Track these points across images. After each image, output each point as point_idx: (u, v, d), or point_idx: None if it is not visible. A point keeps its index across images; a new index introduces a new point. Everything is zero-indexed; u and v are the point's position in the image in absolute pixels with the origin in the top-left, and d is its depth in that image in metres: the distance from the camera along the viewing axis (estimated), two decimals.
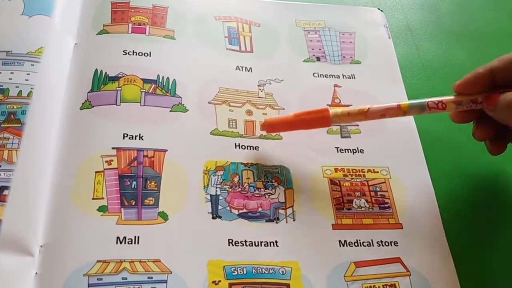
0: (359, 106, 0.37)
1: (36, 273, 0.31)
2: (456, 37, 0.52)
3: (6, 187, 0.34)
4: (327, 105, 0.44)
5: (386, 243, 0.37)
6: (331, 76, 0.46)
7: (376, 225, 0.38)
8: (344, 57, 0.48)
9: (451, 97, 0.36)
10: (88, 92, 0.39)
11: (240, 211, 0.37)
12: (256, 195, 0.38)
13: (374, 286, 0.35)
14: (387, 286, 0.35)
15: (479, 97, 0.36)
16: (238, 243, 0.35)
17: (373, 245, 0.37)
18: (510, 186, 0.42)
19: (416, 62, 0.49)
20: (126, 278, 0.32)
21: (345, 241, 0.37)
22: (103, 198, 0.35)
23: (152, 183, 0.36)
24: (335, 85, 0.45)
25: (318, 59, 0.47)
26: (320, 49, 0.47)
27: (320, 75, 0.46)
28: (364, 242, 0.37)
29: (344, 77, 0.46)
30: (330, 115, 0.37)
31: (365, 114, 0.37)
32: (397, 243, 0.37)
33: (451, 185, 0.41)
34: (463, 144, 0.43)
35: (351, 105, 0.44)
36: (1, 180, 0.34)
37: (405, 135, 0.43)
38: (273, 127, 0.39)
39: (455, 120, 0.39)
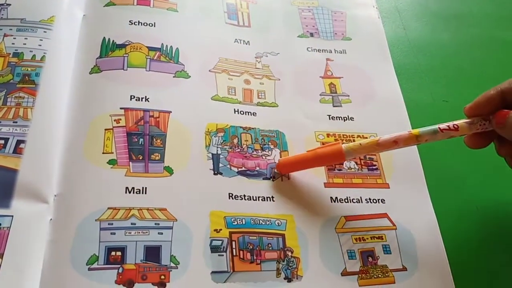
0: (371, 138, 0.37)
1: (51, 219, 0.34)
2: (441, 18, 0.55)
3: (22, 141, 0.36)
4: (320, 76, 0.47)
5: (374, 200, 0.40)
6: (323, 50, 0.49)
7: (364, 184, 0.41)
8: (336, 33, 0.51)
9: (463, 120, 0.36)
10: (97, 58, 0.41)
11: (239, 169, 0.39)
12: (254, 155, 0.40)
13: (363, 237, 0.38)
14: (375, 238, 0.38)
15: (490, 115, 0.35)
16: (238, 197, 0.38)
17: (362, 202, 0.40)
18: None
19: (403, 40, 0.52)
20: (135, 224, 0.35)
21: (336, 197, 0.40)
22: (113, 153, 0.37)
23: (158, 141, 0.39)
24: (328, 59, 0.48)
25: (311, 35, 0.50)
26: (313, 26, 0.50)
27: (314, 49, 0.49)
28: (354, 199, 0.40)
29: (336, 52, 0.49)
30: (343, 149, 0.37)
31: (377, 144, 0.36)
32: (384, 200, 0.40)
33: (435, 149, 0.44)
34: (446, 112, 0.46)
35: (342, 77, 0.47)
36: (17, 134, 0.36)
37: (392, 105, 0.46)
38: (287, 167, 0.39)
39: (470, 145, 0.38)
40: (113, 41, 0.43)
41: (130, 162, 0.37)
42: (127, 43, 0.43)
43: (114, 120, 0.39)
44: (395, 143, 0.36)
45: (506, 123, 0.34)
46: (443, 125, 0.35)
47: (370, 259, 0.37)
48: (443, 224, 0.39)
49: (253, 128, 0.42)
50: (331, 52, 0.49)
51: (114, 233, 0.34)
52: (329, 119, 0.44)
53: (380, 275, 0.37)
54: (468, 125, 0.35)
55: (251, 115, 0.42)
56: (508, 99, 0.35)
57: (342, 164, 0.42)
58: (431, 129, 0.35)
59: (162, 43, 0.44)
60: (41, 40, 0.41)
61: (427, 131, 0.35)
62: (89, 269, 0.32)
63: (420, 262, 0.37)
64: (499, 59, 0.53)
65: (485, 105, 0.35)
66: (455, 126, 0.35)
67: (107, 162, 0.37)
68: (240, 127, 0.41)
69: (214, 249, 0.35)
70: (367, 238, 0.38)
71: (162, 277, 0.33)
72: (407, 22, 0.54)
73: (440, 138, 0.36)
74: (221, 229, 0.36)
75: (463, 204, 0.41)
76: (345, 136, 0.43)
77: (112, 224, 0.34)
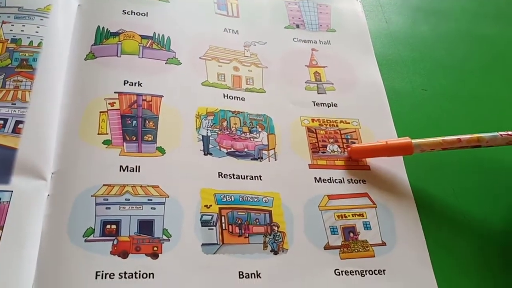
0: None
1: (49, 195, 0.36)
2: (421, 12, 0.58)
3: (21, 122, 0.38)
4: (305, 65, 0.49)
5: (356, 181, 0.42)
6: (309, 41, 0.51)
7: (347, 166, 0.43)
8: (321, 25, 0.53)
9: None
10: (92, 45, 0.43)
11: (229, 150, 0.41)
12: (242, 137, 0.42)
13: (344, 215, 0.40)
14: (356, 215, 0.41)
15: None
16: (227, 175, 0.40)
17: (344, 182, 0.42)
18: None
19: (385, 33, 0.55)
20: (129, 200, 0.37)
21: (320, 178, 0.42)
22: (107, 134, 0.39)
23: (151, 123, 0.40)
24: (313, 49, 0.51)
25: (297, 26, 0.52)
26: (299, 18, 0.53)
27: (300, 40, 0.51)
28: (336, 179, 0.42)
29: (321, 42, 0.51)
30: (412, 142, 0.41)
31: (442, 140, 0.41)
32: (365, 181, 0.42)
33: (412, 133, 0.46)
34: (424, 100, 0.49)
35: (327, 66, 0.49)
36: (16, 115, 0.38)
37: (374, 92, 0.48)
38: (358, 153, 0.43)
39: None
40: (107, 29, 0.44)
41: (124, 143, 0.39)
42: (120, 32, 0.45)
43: (109, 103, 0.40)
44: (458, 140, 0.40)
45: None
46: (504, 132, 0.40)
47: (351, 234, 0.39)
48: (420, 203, 0.42)
49: (241, 112, 0.44)
50: (316, 42, 0.51)
51: (109, 208, 0.36)
52: (314, 105, 0.46)
53: (360, 249, 0.39)
54: None
55: (240, 100, 0.44)
56: None
57: (326, 147, 0.44)
58: (492, 134, 0.40)
59: (154, 32, 0.46)
60: (38, 27, 0.43)
61: (489, 135, 0.40)
62: (86, 240, 0.34)
63: (398, 238, 0.40)
64: (476, 52, 0.55)
65: None
66: None
67: (102, 142, 0.39)
68: (229, 111, 0.43)
69: (205, 223, 0.37)
70: (349, 215, 0.40)
71: (155, 248, 0.35)
72: (389, 16, 0.56)
73: (500, 143, 0.40)
74: (211, 205, 0.38)
75: (440, 185, 0.44)
76: (329, 122, 0.45)
77: (107, 199, 0.36)
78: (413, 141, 0.41)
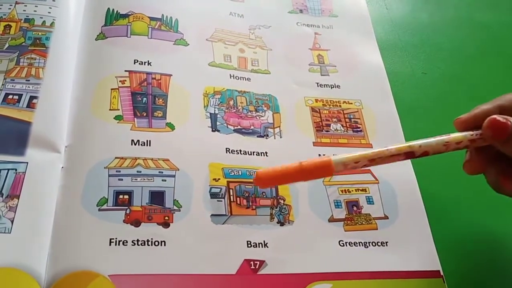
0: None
1: (63, 166, 0.37)
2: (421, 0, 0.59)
3: (35, 97, 0.39)
4: (309, 48, 0.50)
5: None
6: (312, 25, 0.53)
7: (350, 144, 0.44)
8: (323, 11, 0.54)
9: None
10: (102, 26, 0.44)
11: (235, 127, 0.43)
12: (249, 116, 0.44)
13: (348, 190, 0.42)
14: (359, 190, 0.42)
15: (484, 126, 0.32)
16: (234, 151, 0.41)
17: None
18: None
19: (386, 19, 0.56)
20: (140, 172, 0.38)
21: (324, 154, 0.43)
22: (119, 109, 0.40)
23: (160, 100, 0.42)
24: (316, 33, 0.52)
25: (301, 11, 0.53)
26: (302, 3, 0.54)
27: (303, 24, 0.52)
28: None
29: (323, 27, 0.53)
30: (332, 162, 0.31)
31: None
32: None
33: (413, 113, 0.47)
34: (424, 83, 0.51)
35: (329, 49, 0.51)
36: (30, 91, 0.39)
37: (375, 75, 0.50)
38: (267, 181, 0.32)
39: (469, 171, 0.35)
40: (117, 11, 0.46)
41: (135, 118, 0.40)
42: (130, 13, 0.46)
43: (120, 81, 0.42)
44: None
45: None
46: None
47: (354, 208, 0.41)
48: (421, 178, 0.43)
49: (247, 92, 0.45)
50: (319, 27, 0.53)
51: (122, 179, 0.37)
52: (317, 86, 0.48)
53: (364, 222, 0.40)
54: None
55: (245, 80, 0.46)
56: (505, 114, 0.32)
57: (329, 126, 0.45)
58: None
59: (163, 14, 0.47)
60: (50, 8, 0.44)
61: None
62: (99, 209, 0.35)
63: (400, 212, 0.41)
64: (473, 37, 0.57)
65: (483, 119, 0.32)
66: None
67: (114, 118, 0.40)
68: (236, 90, 0.45)
69: (213, 195, 0.38)
70: (352, 190, 0.42)
71: (166, 218, 0.36)
72: (389, 2, 0.58)
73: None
74: (219, 179, 0.39)
75: (439, 160, 0.45)
76: (332, 102, 0.47)
77: (119, 171, 0.37)
78: (333, 158, 0.31)
